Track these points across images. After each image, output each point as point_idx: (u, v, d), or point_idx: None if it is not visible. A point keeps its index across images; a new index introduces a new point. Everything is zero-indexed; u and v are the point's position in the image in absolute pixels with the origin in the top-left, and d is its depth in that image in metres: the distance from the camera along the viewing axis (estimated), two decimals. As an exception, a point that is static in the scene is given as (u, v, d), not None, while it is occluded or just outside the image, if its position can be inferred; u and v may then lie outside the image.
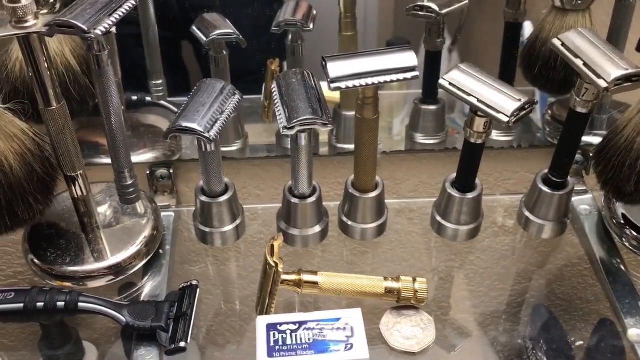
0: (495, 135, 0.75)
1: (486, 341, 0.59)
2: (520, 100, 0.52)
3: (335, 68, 0.51)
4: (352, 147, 0.62)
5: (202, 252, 0.66)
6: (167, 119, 0.75)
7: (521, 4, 0.68)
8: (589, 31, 0.54)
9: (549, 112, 0.78)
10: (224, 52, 0.68)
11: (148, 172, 0.69)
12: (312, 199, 0.61)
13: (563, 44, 0.54)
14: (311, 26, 0.67)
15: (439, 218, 0.64)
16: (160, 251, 0.64)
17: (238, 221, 0.63)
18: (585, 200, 0.69)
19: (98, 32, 0.46)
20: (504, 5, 0.68)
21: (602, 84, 0.50)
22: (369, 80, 0.51)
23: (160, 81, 0.73)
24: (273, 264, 0.53)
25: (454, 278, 0.66)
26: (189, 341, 0.54)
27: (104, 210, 0.64)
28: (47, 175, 0.55)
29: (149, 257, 0.62)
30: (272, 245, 0.54)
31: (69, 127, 0.54)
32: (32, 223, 0.59)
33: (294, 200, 0.60)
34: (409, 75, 0.52)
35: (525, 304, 0.64)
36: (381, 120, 0.79)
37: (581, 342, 0.58)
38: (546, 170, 0.62)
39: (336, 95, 0.74)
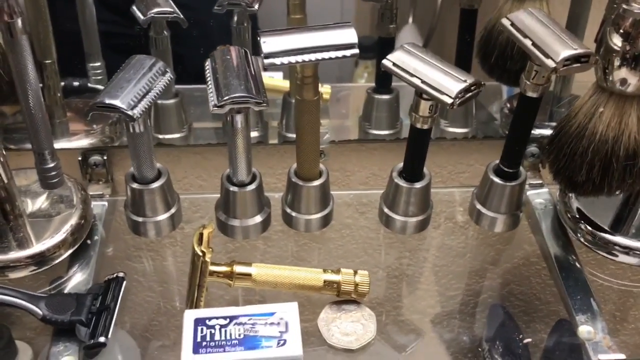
0: (450, 126, 0.72)
1: (431, 339, 0.56)
2: (465, 81, 0.49)
3: (270, 43, 0.48)
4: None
5: (137, 243, 0.62)
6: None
7: (477, -9, 0.66)
8: (539, 11, 0.52)
9: (507, 104, 0.75)
10: (165, 33, 0.64)
11: (80, 159, 0.65)
12: (252, 187, 0.57)
13: (512, 24, 0.51)
14: (256, 7, 0.64)
15: (386, 210, 0.61)
16: (88, 241, 0.60)
17: (173, 210, 0.59)
18: (541, 195, 0.67)
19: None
20: (459, -11, 0.66)
21: (551, 63, 0.48)
22: (306, 57, 0.48)
23: (98, 64, 0.69)
24: (200, 253, 0.49)
25: (405, 274, 0.63)
26: (109, 336, 0.50)
27: (29, 198, 0.60)
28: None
29: (75, 247, 0.58)
30: (201, 234, 0.50)
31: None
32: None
33: (233, 188, 0.57)
34: (348, 52, 0.49)
35: (480, 302, 0.61)
36: (335, 112, 0.77)
37: (530, 340, 0.55)
38: (497, 161, 0.60)
39: (286, 84, 0.71)
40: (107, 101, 0.49)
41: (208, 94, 0.50)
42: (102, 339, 0.49)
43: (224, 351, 0.48)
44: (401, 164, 0.59)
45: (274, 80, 0.74)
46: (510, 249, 0.65)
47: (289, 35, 0.49)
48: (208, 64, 0.53)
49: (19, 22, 0.46)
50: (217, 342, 0.49)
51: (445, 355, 0.55)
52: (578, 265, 0.60)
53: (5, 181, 0.54)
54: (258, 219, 0.59)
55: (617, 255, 0.60)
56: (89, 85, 0.72)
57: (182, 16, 0.63)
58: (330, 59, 0.48)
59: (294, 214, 0.60)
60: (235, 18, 0.66)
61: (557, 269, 0.59)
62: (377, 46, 0.69)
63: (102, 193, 0.65)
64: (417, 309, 0.58)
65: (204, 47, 0.68)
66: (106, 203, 0.64)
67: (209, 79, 0.51)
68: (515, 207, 0.61)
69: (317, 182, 0.59)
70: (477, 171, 0.72)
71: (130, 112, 0.49)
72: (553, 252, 0.61)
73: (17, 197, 0.57)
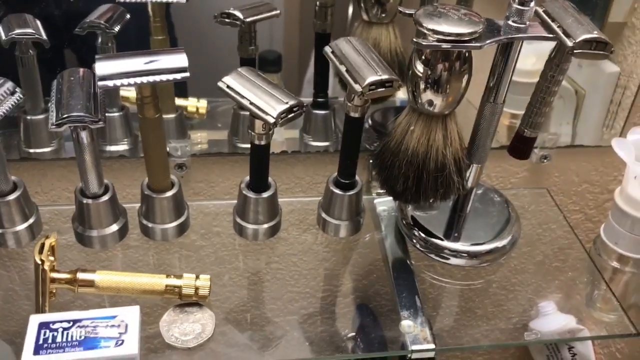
0: (313, 140, 0.78)
1: (273, 336, 0.60)
2: (287, 102, 0.54)
3: (104, 66, 0.52)
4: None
5: (3, 253, 0.65)
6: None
7: (328, 16, 0.71)
8: (357, 40, 0.58)
9: (369, 120, 0.82)
10: (30, 52, 0.67)
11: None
12: (105, 198, 0.61)
13: (332, 52, 0.57)
14: (116, 29, 0.67)
15: (238, 219, 0.66)
16: (-55, 252, 0.62)
17: (32, 220, 0.62)
18: (386, 203, 0.73)
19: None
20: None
21: (358, 88, 0.54)
22: (138, 79, 0.52)
23: None
24: (39, 262, 0.53)
25: (258, 280, 0.67)
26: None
27: None
28: None
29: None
30: (43, 244, 0.54)
31: None
32: None
33: (86, 200, 0.60)
34: (179, 75, 0.53)
35: (333, 303, 0.66)
36: (208, 126, 0.81)
37: (353, 334, 0.61)
38: (336, 174, 0.65)
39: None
40: (-50, 120, 0.52)
41: (49, 111, 0.54)
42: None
43: (64, 351, 0.52)
44: (247, 177, 0.64)
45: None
46: (360, 253, 0.71)
47: (123, 59, 0.53)
48: (54, 83, 0.56)
49: None
50: (58, 344, 0.52)
51: (243, 353, 0.59)
52: (411, 268, 0.66)
53: None
54: (114, 227, 0.63)
55: (448, 259, 0.67)
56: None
57: (44, 37, 0.66)
58: (162, 81, 0.53)
59: (150, 224, 0.64)
60: (100, 39, 0.69)
61: (391, 270, 0.66)
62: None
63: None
64: (263, 310, 0.63)
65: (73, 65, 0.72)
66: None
67: (52, 97, 0.55)
68: (355, 213, 0.67)
69: (169, 193, 0.63)
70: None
71: (-29, 130, 0.52)
72: (391, 256, 0.67)
73: None
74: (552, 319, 0.70)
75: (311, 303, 0.65)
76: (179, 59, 0.53)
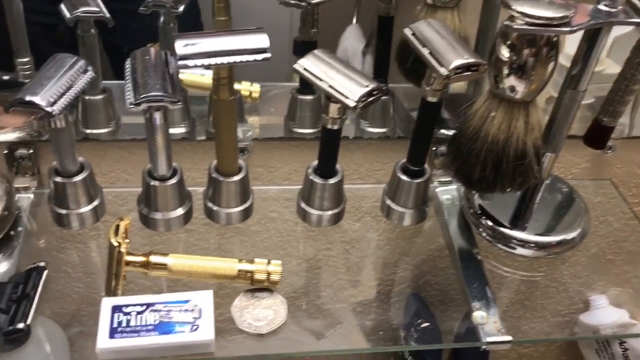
0: (370, 127, 0.76)
1: (334, 323, 0.59)
2: (367, 86, 0.53)
3: (184, 46, 0.51)
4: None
5: (62, 235, 0.64)
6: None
7: (392, -1, 0.70)
8: (439, 23, 0.56)
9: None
10: (92, 31, 0.66)
11: (6, 152, 0.66)
12: (173, 181, 0.60)
13: (413, 34, 0.55)
14: (180, 9, 0.66)
15: (303, 204, 0.64)
16: (12, 232, 0.61)
17: (96, 202, 0.61)
18: (450, 191, 0.72)
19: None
20: (377, -2, 0.70)
21: (443, 71, 0.52)
22: (218, 60, 0.51)
23: (26, 59, 0.70)
24: (115, 244, 0.52)
25: (324, 265, 0.67)
26: (28, 322, 0.52)
27: (-49, 189, 0.61)
28: None
29: (-4, 239, 0.59)
30: (118, 226, 0.53)
31: None
32: None
33: (154, 182, 0.59)
34: (260, 56, 0.52)
35: (392, 291, 0.65)
36: (264, 110, 0.80)
37: (428, 325, 0.60)
38: (404, 160, 0.64)
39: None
40: (27, 98, 0.51)
41: (125, 91, 0.53)
42: (20, 325, 0.51)
43: (139, 336, 0.51)
44: (315, 162, 0.63)
45: (204, 77, 0.77)
46: (426, 241, 0.70)
47: (204, 38, 0.52)
48: (128, 62, 0.55)
49: None
50: (132, 328, 0.52)
51: (317, 342, 0.58)
52: (478, 257, 0.65)
53: None
54: (180, 211, 0.62)
55: (515, 248, 0.65)
56: (19, 80, 0.73)
57: (108, 15, 0.65)
58: (242, 62, 0.52)
59: (215, 207, 0.63)
60: (162, 19, 0.68)
61: (458, 260, 0.64)
62: (300, 49, 0.72)
63: (29, 186, 0.67)
64: (329, 298, 0.62)
65: (134, 45, 0.71)
66: (32, 195, 0.66)
67: (127, 77, 0.54)
68: (422, 202, 0.65)
69: (236, 177, 0.62)
70: (392, 169, 0.76)
71: (49, 109, 0.51)
72: (457, 245, 0.66)
73: (-61, 188, 0.58)
74: (604, 313, 0.69)
75: (376, 292, 0.64)
76: (260, 39, 0.52)
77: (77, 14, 0.63)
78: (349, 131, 0.76)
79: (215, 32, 0.53)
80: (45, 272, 0.56)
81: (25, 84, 0.53)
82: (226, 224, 0.65)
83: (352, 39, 0.79)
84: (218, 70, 0.54)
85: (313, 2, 0.67)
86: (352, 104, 0.53)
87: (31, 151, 0.67)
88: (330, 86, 0.53)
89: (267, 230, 0.68)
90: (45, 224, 0.65)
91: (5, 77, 0.72)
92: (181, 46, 0.51)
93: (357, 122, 0.77)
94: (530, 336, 0.62)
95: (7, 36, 0.69)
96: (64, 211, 0.60)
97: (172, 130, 0.72)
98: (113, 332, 0.51)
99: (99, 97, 0.70)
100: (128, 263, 0.53)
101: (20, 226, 0.62)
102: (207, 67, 0.52)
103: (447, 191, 0.72)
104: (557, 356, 0.96)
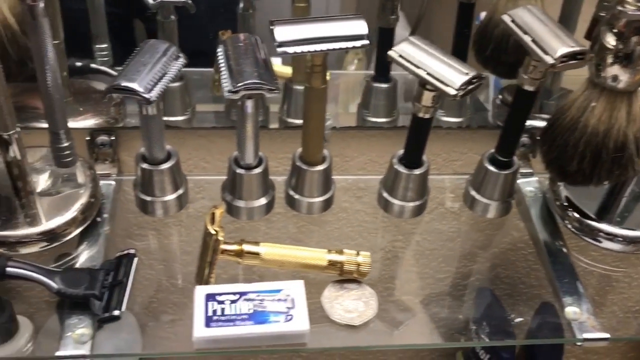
0: (446, 116, 0.75)
1: (426, 319, 0.59)
2: (468, 73, 0.52)
3: (283, 32, 0.50)
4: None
5: (142, 222, 0.64)
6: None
7: (475, -15, 0.68)
8: (538, 9, 0.55)
9: (500, 96, 0.78)
10: (172, 17, 0.66)
11: (88, 138, 0.66)
12: (258, 170, 0.59)
13: (513, 20, 0.54)
14: (260, -5, 0.65)
15: (385, 194, 0.63)
16: (98, 219, 0.61)
17: (181, 191, 0.61)
18: (531, 183, 0.70)
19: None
20: (458, -16, 0.68)
21: (549, 59, 0.51)
22: (318, 47, 0.50)
23: (104, 45, 0.70)
24: (213, 232, 0.51)
25: (399, 257, 0.66)
26: (123, 309, 0.52)
27: (40, 176, 0.61)
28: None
29: (85, 225, 0.59)
30: (213, 214, 0.52)
31: (2, 85, 0.51)
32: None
33: (240, 170, 0.59)
34: (358, 43, 0.51)
35: (469, 285, 0.64)
36: (337, 99, 0.79)
37: (521, 320, 0.59)
38: (492, 150, 0.62)
39: (288, 70, 0.73)
40: (125, 84, 0.50)
41: (221, 79, 0.52)
42: (116, 312, 0.51)
43: (235, 325, 0.51)
44: (401, 151, 0.62)
45: (276, 66, 0.76)
46: (499, 234, 0.69)
47: (301, 25, 0.51)
48: (221, 50, 0.54)
49: (41, 5, 0.47)
50: (227, 317, 0.51)
51: (435, 334, 0.58)
52: (565, 251, 0.63)
53: (19, 158, 0.56)
54: (263, 200, 0.61)
55: (601, 242, 0.63)
56: (92, 66, 0.73)
57: (190, 1, 0.64)
58: (341, 49, 0.51)
59: (297, 196, 0.63)
60: (242, 4, 0.67)
61: (546, 254, 0.63)
62: (377, 36, 0.71)
63: (109, 172, 0.67)
64: (409, 290, 0.61)
65: (210, 32, 0.70)
66: (114, 182, 0.66)
67: (222, 65, 0.53)
68: (508, 194, 0.64)
69: (320, 167, 0.61)
70: (469, 159, 0.75)
71: (147, 95, 0.50)
72: (542, 238, 0.65)
73: (29, 174, 0.58)
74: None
75: (458, 284, 0.63)
76: (358, 26, 0.51)
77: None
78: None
79: (311, 19, 0.52)
80: (136, 260, 0.56)
81: (110, 71, 0.53)
82: (307, 213, 0.64)
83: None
84: (313, 57, 0.53)
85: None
86: (452, 92, 0.51)
87: (112, 138, 0.67)
88: (429, 74, 0.52)
89: (339, 219, 0.67)
90: (124, 210, 0.65)
91: (79, 64, 0.72)
92: (280, 33, 0.50)
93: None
94: (620, 334, 0.61)
95: (85, 23, 0.69)
96: (149, 198, 0.60)
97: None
98: (208, 321, 0.51)
99: (177, 84, 0.70)
100: (223, 252, 0.53)
101: (105, 213, 0.62)
102: (306, 53, 0.51)
103: (529, 183, 0.70)
104: (624, 353, 0.94)
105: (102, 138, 0.67)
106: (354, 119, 0.76)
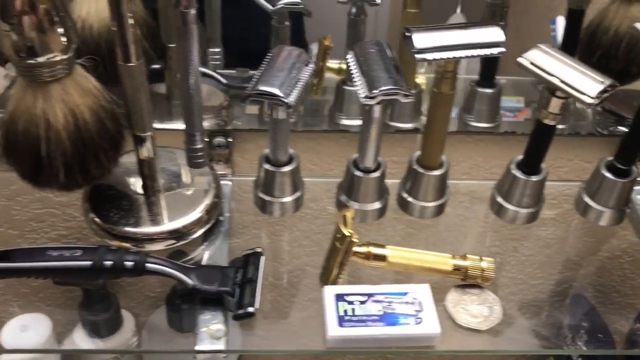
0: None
1: (549, 324, 0.59)
2: (603, 82, 0.52)
3: (421, 39, 0.51)
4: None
5: (256, 223, 0.65)
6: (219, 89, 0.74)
7: (588, -9, 0.68)
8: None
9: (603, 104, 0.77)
10: (286, 23, 0.67)
11: (206, 139, 0.68)
12: (376, 174, 0.60)
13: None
14: (378, 1, 0.66)
15: (499, 199, 0.64)
16: (221, 218, 0.63)
17: (298, 193, 0.62)
18: (642, 191, 0.69)
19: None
20: (568, -9, 0.68)
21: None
22: (455, 54, 0.51)
23: (218, 49, 0.72)
24: (348, 234, 0.52)
25: (509, 262, 0.66)
26: (257, 306, 0.53)
27: (164, 175, 0.63)
28: (118, 133, 0.55)
29: (209, 225, 0.61)
30: (345, 216, 0.54)
31: (144, 85, 0.53)
32: (99, 181, 0.58)
33: (358, 173, 0.60)
34: (495, 50, 0.51)
35: (567, 291, 0.64)
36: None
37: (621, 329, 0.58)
38: (610, 157, 0.62)
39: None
40: (265, 89, 0.52)
41: (356, 85, 0.53)
42: (250, 309, 0.53)
43: (367, 325, 0.52)
44: (518, 157, 0.62)
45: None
46: (607, 243, 0.68)
47: (438, 32, 0.52)
48: (352, 56, 0.55)
49: (192, 12, 0.49)
50: (359, 317, 0.52)
51: (532, 340, 0.58)
52: (681, 261, 0.63)
53: (151, 157, 0.58)
54: (377, 204, 0.62)
55: None
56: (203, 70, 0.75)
57: (307, 7, 0.66)
58: (479, 56, 0.51)
59: (410, 199, 0.64)
60: (354, 10, 0.68)
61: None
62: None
63: (225, 173, 0.68)
64: (529, 296, 0.61)
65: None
66: (230, 182, 0.67)
67: (355, 71, 0.54)
68: (624, 203, 0.63)
69: (438, 172, 0.61)
70: (575, 166, 0.75)
71: (287, 100, 0.52)
72: (654, 247, 0.64)
73: (158, 173, 0.60)
74: None
75: (554, 292, 0.63)
76: (495, 33, 0.52)
77: (281, 4, 0.65)
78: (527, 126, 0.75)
79: (446, 26, 0.53)
80: (263, 258, 0.57)
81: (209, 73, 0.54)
82: (419, 217, 0.65)
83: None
84: (446, 63, 0.53)
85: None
86: (589, 100, 0.51)
87: (229, 139, 0.68)
88: (563, 81, 0.52)
89: (446, 224, 0.67)
90: (240, 211, 0.67)
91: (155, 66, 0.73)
92: (418, 40, 0.51)
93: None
94: None
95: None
96: (268, 198, 0.62)
97: (347, 122, 0.72)
98: (341, 321, 0.52)
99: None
100: (354, 253, 0.54)
101: (226, 212, 0.64)
102: (445, 60, 0.51)
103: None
104: None
105: (219, 139, 0.69)
106: (455, 124, 0.77)
